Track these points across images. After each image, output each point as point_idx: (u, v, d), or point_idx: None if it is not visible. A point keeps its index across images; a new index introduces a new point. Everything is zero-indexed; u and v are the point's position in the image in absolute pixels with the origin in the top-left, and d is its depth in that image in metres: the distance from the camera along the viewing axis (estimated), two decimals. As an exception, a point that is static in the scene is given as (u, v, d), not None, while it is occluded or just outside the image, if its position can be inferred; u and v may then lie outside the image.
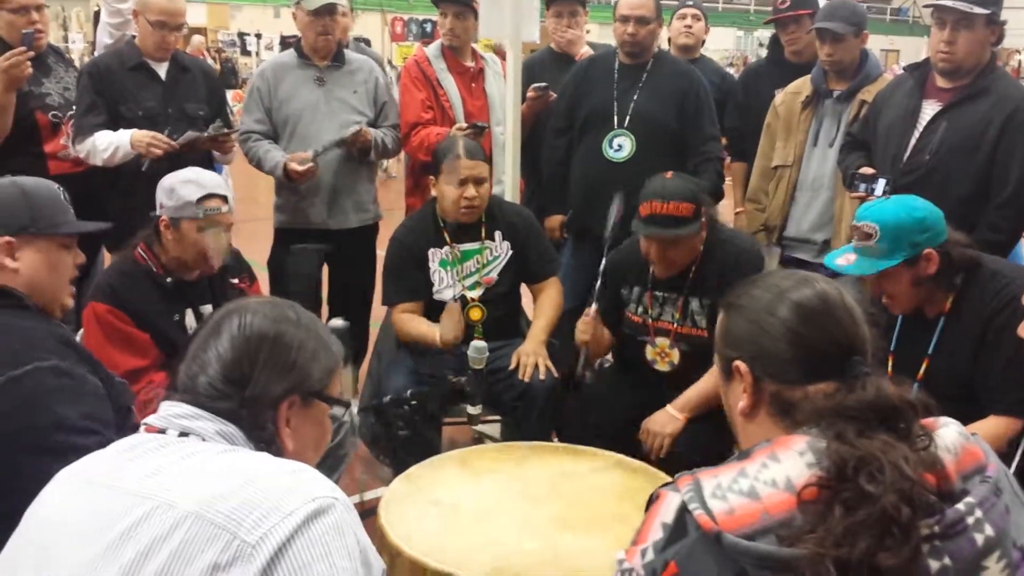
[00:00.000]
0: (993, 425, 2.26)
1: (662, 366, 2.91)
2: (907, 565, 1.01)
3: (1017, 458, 1.87)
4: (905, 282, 2.30)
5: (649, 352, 2.92)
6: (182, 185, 2.60)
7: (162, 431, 1.22)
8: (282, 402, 1.27)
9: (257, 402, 1.25)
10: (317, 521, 1.09)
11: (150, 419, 1.25)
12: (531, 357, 2.93)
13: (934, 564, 1.04)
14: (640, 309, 2.94)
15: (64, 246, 1.87)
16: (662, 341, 2.90)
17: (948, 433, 1.15)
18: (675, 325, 2.88)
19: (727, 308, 1.34)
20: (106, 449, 1.23)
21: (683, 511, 1.10)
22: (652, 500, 1.17)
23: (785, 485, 1.08)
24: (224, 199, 2.65)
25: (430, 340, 2.93)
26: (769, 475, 1.10)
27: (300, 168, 3.55)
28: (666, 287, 2.89)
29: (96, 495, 1.16)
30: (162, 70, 3.52)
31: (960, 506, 1.07)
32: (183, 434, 1.21)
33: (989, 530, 1.07)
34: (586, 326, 2.85)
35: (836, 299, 1.26)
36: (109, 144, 3.36)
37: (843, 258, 2.36)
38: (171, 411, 1.24)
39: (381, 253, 3.98)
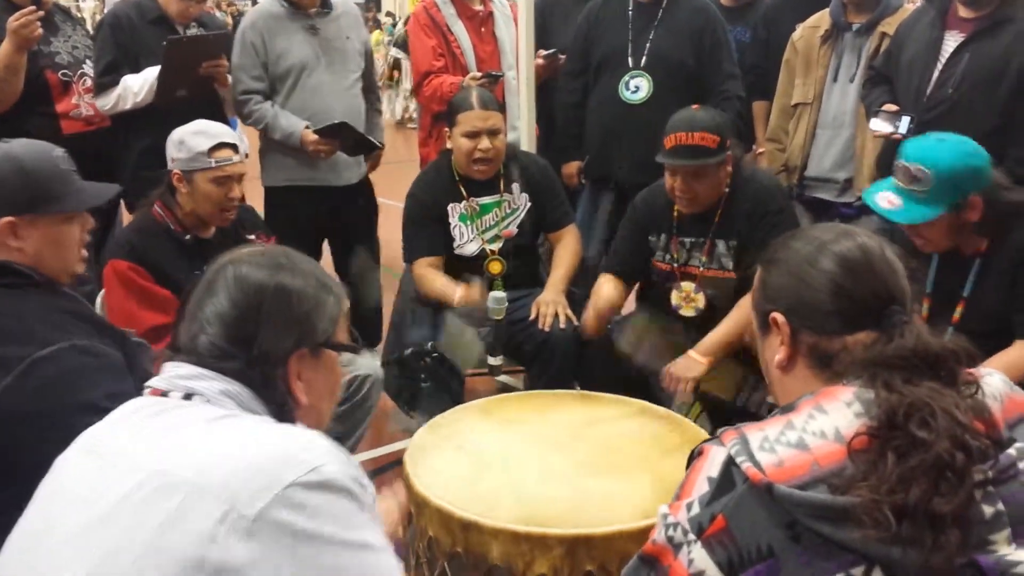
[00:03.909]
0: (1020, 350, 2.22)
1: (687, 311, 2.89)
2: (962, 510, 1.01)
3: None
4: (944, 227, 2.25)
5: (674, 297, 2.90)
6: (191, 136, 2.59)
7: (165, 394, 1.20)
8: (290, 357, 1.24)
9: (265, 361, 1.22)
10: (318, 490, 1.07)
11: (153, 381, 1.23)
12: (551, 306, 2.92)
13: (988, 509, 1.03)
14: (667, 256, 2.91)
15: (68, 218, 1.80)
16: (687, 285, 2.87)
17: (993, 382, 1.15)
18: (701, 269, 2.86)
19: (765, 263, 1.33)
20: (110, 415, 1.21)
21: (730, 464, 1.10)
22: (695, 455, 1.16)
23: (834, 436, 1.08)
24: (235, 148, 2.63)
25: (447, 298, 2.91)
26: (817, 426, 1.09)
27: (324, 148, 3.50)
28: (692, 232, 2.86)
29: (93, 463, 1.15)
30: (181, 26, 3.50)
31: (1011, 451, 1.06)
32: (187, 396, 1.19)
33: None
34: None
35: (877, 252, 1.24)
36: (144, 81, 3.35)
37: (886, 199, 2.28)
38: (174, 372, 1.22)
39: (383, 201, 3.95)
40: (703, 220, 2.83)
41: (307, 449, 1.11)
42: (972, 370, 1.13)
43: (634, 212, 3.00)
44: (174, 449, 1.11)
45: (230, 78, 3.54)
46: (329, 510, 1.07)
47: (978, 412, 1.08)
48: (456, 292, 2.87)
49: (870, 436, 1.05)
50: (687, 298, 2.88)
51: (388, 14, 16.03)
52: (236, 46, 3.55)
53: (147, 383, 1.24)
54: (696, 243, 2.86)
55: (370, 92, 3.84)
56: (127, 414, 1.20)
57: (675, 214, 2.87)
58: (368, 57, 3.82)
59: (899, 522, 0.99)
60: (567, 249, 3.18)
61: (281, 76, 3.56)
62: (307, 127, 3.50)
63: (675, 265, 2.89)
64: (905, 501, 1.00)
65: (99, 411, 1.56)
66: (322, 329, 1.28)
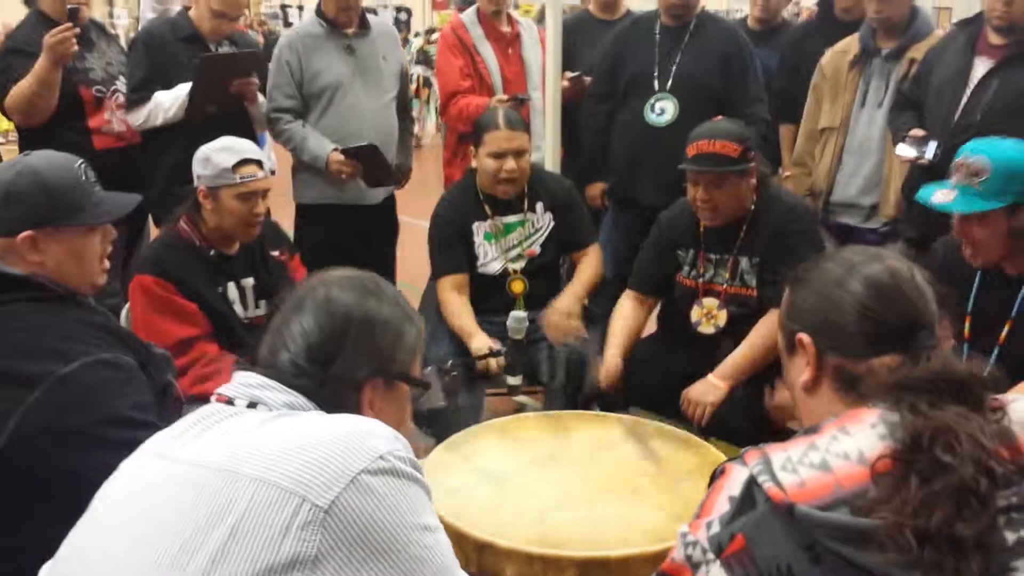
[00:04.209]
0: None
1: (707, 327, 2.86)
2: (985, 536, 1.00)
3: None
4: (999, 231, 2.21)
5: (695, 313, 2.88)
6: (216, 153, 2.61)
7: (231, 401, 1.22)
8: (366, 384, 1.26)
9: (341, 383, 1.24)
10: (386, 476, 1.08)
11: (222, 388, 1.24)
12: (560, 319, 2.90)
13: (1011, 536, 1.02)
14: (693, 272, 2.90)
15: (90, 231, 1.79)
16: (710, 302, 2.86)
17: (1020, 408, 1.13)
18: (725, 286, 2.84)
19: (794, 282, 1.33)
20: (178, 422, 1.23)
21: (751, 484, 1.09)
22: (717, 474, 1.16)
23: (858, 458, 1.07)
24: (259, 164, 2.66)
25: (467, 340, 2.89)
26: (840, 448, 1.08)
27: (347, 169, 3.52)
28: (718, 248, 2.85)
29: (158, 468, 1.16)
30: (213, 44, 3.54)
31: None
32: (252, 404, 1.20)
33: None
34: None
35: (906, 275, 1.24)
36: (175, 98, 3.38)
37: (942, 194, 2.25)
38: (243, 380, 1.24)
39: (407, 220, 3.96)
40: (728, 236, 2.82)
41: (373, 436, 1.12)
42: (999, 396, 1.12)
43: (659, 230, 2.99)
44: (238, 449, 1.12)
45: (260, 96, 3.57)
46: (396, 495, 1.09)
47: (1003, 438, 1.06)
48: (475, 339, 2.86)
49: (894, 459, 1.04)
50: (708, 315, 2.86)
51: (416, 34, 16.14)
52: (272, 63, 3.60)
53: (217, 390, 1.25)
54: (721, 260, 2.85)
55: (403, 113, 3.87)
56: (194, 421, 1.21)
57: (701, 229, 2.86)
58: (403, 78, 3.86)
59: (921, 546, 0.98)
60: (588, 265, 3.20)
61: (316, 95, 3.58)
62: (335, 149, 3.51)
63: (700, 281, 2.88)
64: (928, 525, 0.99)
65: (128, 423, 1.58)
66: (401, 361, 1.30)
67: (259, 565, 1.02)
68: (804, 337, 1.26)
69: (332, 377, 1.23)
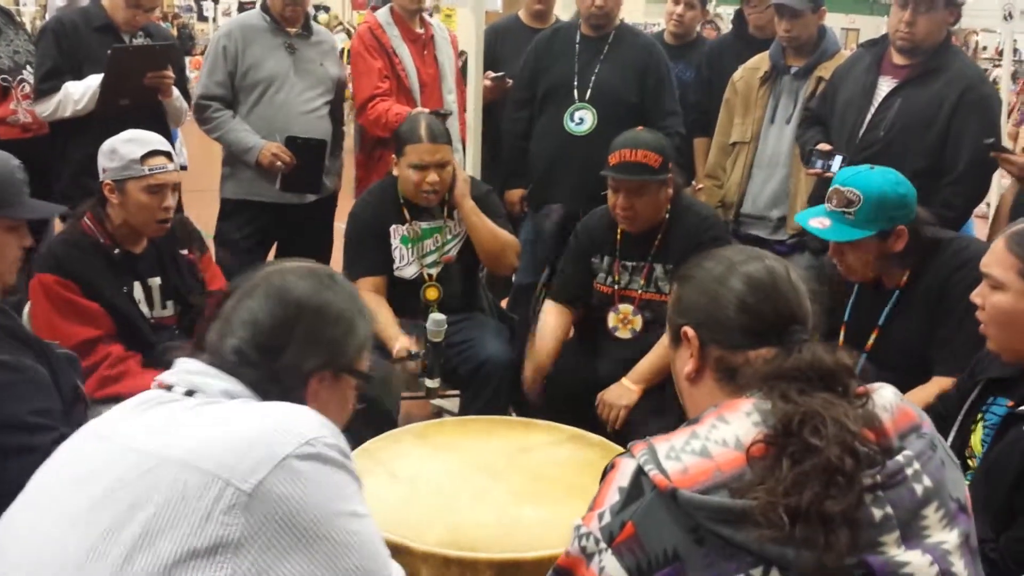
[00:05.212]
0: (936, 386, 2.27)
1: (623, 333, 2.94)
2: (852, 512, 1.06)
3: (952, 434, 1.91)
4: (870, 254, 2.33)
5: (611, 319, 2.95)
6: (123, 144, 2.54)
7: (170, 387, 1.20)
8: (313, 376, 1.25)
9: (288, 374, 1.22)
10: (313, 461, 1.08)
11: (162, 375, 1.23)
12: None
13: (877, 512, 1.09)
14: (609, 279, 2.96)
15: (11, 228, 1.76)
16: (625, 307, 2.93)
17: (884, 394, 1.21)
18: (640, 292, 2.92)
19: (681, 280, 1.39)
20: (120, 405, 1.21)
21: (639, 474, 1.13)
22: (608, 469, 1.20)
23: (735, 443, 1.12)
24: (168, 156, 2.58)
25: (386, 343, 2.85)
26: (719, 435, 1.14)
27: (285, 159, 3.48)
28: (634, 255, 2.92)
29: (93, 449, 1.15)
30: (127, 35, 3.45)
31: (899, 458, 1.13)
32: (190, 392, 1.19)
33: (927, 481, 1.13)
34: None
35: (782, 274, 1.31)
36: (87, 89, 3.28)
37: (817, 221, 2.37)
38: (184, 367, 1.22)
39: (339, 226, 3.94)
40: (644, 244, 2.90)
41: (300, 422, 1.12)
42: (866, 385, 1.19)
43: (577, 237, 3.05)
44: (166, 434, 1.11)
45: (175, 90, 3.50)
46: (324, 481, 1.08)
47: (868, 421, 1.14)
48: (397, 341, 2.82)
49: (767, 443, 1.11)
50: (624, 320, 2.93)
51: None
52: (208, 50, 3.58)
53: (158, 377, 1.23)
54: (636, 267, 2.93)
55: (336, 122, 3.83)
56: (133, 406, 1.20)
57: (618, 237, 2.93)
58: (339, 88, 3.82)
59: (793, 523, 1.04)
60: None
61: (248, 87, 3.56)
62: (289, 137, 3.49)
63: (616, 288, 2.95)
64: (799, 503, 1.05)
65: (25, 428, 1.52)
66: (350, 354, 1.29)
67: (182, 549, 1.02)
68: (688, 330, 1.32)
69: (280, 370, 1.22)
